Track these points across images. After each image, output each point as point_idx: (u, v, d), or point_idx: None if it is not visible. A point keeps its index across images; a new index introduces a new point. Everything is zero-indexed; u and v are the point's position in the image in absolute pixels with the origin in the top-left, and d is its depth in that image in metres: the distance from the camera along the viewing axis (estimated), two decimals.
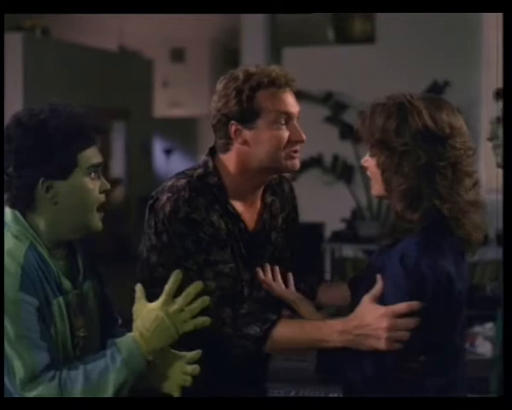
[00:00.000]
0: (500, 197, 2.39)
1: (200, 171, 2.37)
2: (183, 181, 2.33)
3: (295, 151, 2.36)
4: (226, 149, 2.37)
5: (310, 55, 7.37)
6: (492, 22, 6.59)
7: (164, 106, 15.55)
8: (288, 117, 2.34)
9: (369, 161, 2.22)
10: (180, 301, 2.07)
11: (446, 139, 2.12)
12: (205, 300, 2.06)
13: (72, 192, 2.12)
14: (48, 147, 2.08)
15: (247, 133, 2.33)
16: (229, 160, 2.38)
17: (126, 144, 12.62)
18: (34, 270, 2.06)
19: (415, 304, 2.06)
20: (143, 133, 13.06)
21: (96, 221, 2.18)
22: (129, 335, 2.07)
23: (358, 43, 7.43)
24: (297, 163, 2.39)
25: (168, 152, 15.82)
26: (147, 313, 2.07)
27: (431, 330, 2.12)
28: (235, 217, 2.37)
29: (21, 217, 2.12)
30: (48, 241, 2.14)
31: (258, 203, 2.45)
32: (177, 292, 2.06)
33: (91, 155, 2.15)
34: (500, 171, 2.48)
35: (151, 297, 2.26)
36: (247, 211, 2.41)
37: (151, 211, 2.33)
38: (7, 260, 2.03)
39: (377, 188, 2.22)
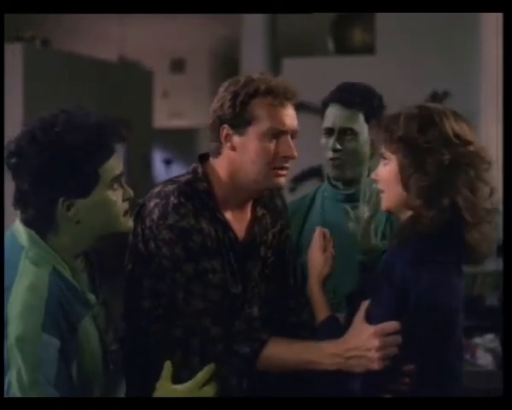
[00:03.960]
0: (500, 208, 2.38)
1: (188, 177, 2.32)
2: (171, 187, 2.27)
3: (282, 168, 2.28)
4: (218, 152, 2.32)
5: (309, 66, 7.35)
6: (492, 33, 6.58)
7: (164, 116, 15.54)
8: (281, 130, 2.27)
9: (381, 171, 2.20)
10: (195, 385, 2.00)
11: (467, 144, 2.13)
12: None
13: (95, 208, 2.01)
14: (66, 164, 1.95)
15: (236, 139, 2.27)
16: (220, 165, 2.32)
17: (126, 155, 12.60)
18: (58, 300, 1.93)
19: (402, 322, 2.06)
20: (143, 144, 13.05)
21: (124, 225, 2.08)
22: None
23: (358, 53, 7.43)
24: (282, 181, 2.30)
25: (168, 162, 15.81)
26: (171, 394, 1.97)
27: (417, 351, 2.10)
28: (224, 225, 2.30)
29: (39, 238, 1.98)
30: (70, 258, 2.02)
31: (249, 215, 2.39)
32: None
33: (113, 167, 2.03)
34: (498, 180, 2.47)
35: (140, 312, 2.23)
36: (236, 221, 2.35)
37: (137, 218, 2.25)
38: (29, 295, 1.90)
39: (391, 197, 2.19)
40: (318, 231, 2.43)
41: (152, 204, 2.25)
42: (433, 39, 7.01)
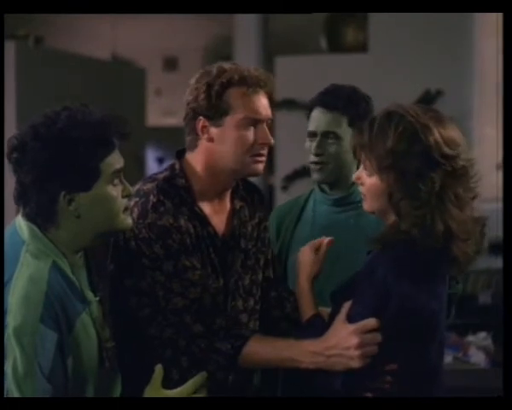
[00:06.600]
0: (493, 207, 2.38)
1: (166, 173, 2.34)
2: (149, 185, 2.30)
3: (261, 155, 2.32)
4: (193, 145, 2.33)
5: (302, 64, 7.34)
6: (486, 32, 6.59)
7: (157, 115, 15.52)
8: (257, 119, 2.30)
9: (364, 179, 2.16)
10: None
11: (455, 157, 2.07)
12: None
13: (95, 203, 2.03)
14: (68, 159, 1.98)
15: (213, 130, 2.29)
16: (196, 159, 2.33)
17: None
18: (57, 294, 1.95)
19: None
20: (136, 142, 13.04)
21: (123, 222, 2.10)
22: None
23: (351, 52, 7.43)
24: (260, 168, 2.34)
25: (161, 161, 15.79)
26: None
27: (399, 350, 2.10)
28: (203, 219, 2.31)
29: (40, 232, 2.00)
30: (70, 253, 2.04)
31: (227, 208, 2.41)
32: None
33: (114, 162, 2.08)
34: (493, 180, 2.47)
35: (125, 312, 2.23)
36: (215, 214, 2.36)
37: None
38: (29, 287, 1.91)
39: (372, 205, 2.16)
40: (320, 239, 2.42)
41: (132, 203, 2.26)
42: (426, 38, 7.01)
